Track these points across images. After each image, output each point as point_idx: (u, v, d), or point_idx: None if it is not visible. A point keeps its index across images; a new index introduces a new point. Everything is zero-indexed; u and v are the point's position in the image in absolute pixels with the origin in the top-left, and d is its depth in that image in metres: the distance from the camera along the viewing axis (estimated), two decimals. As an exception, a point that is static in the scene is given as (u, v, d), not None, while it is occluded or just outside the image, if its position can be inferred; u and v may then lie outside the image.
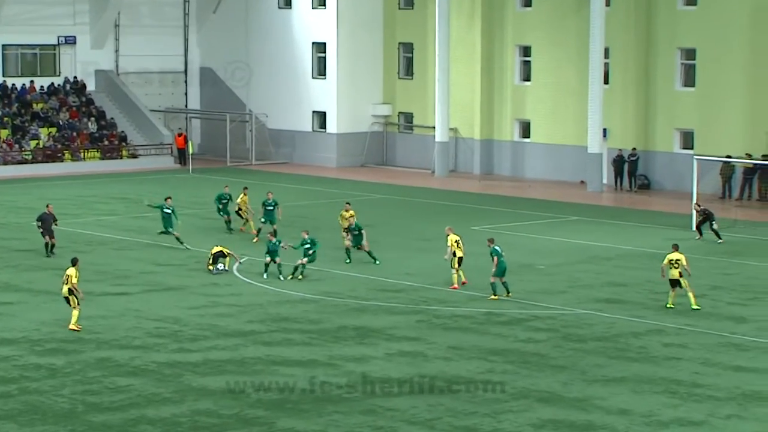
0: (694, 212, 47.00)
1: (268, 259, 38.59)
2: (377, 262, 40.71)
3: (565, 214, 53.01)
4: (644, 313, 34.54)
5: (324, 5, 69.32)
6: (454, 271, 37.19)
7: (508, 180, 64.66)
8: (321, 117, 70.56)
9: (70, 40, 71.47)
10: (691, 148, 58.96)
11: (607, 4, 60.55)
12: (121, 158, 68.99)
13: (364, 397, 26.36)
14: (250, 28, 72.66)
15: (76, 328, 31.45)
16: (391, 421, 24.73)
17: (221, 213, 46.76)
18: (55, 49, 71.54)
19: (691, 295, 34.54)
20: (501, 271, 35.79)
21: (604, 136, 61.03)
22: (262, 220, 44.86)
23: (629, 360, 29.63)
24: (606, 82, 60.88)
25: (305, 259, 38.52)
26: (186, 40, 74.95)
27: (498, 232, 47.89)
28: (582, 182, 61.75)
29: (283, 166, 69.58)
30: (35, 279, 38.18)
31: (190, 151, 67.23)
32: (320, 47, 69.88)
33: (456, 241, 37.20)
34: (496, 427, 24.44)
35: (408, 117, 70.46)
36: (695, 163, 50.97)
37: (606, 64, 60.90)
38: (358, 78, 69.79)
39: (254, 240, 44.22)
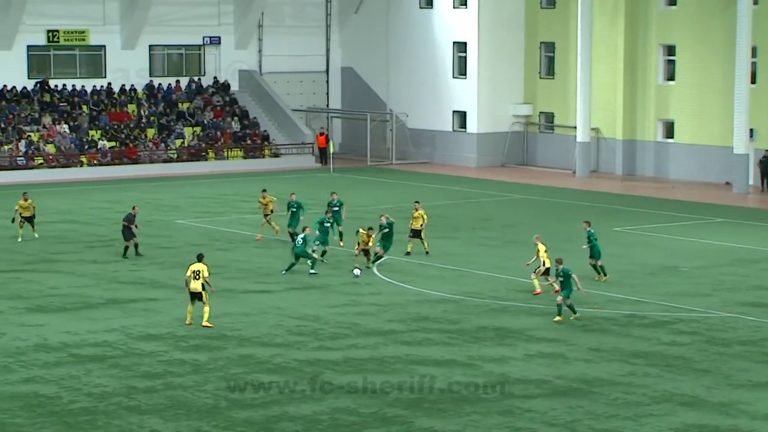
0: None
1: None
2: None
3: (710, 215, 52.17)
4: (791, 317, 33.83)
5: (465, 5, 69.31)
6: (534, 276, 36.38)
7: (651, 181, 63.90)
8: (461, 117, 70.57)
9: (215, 41, 72.74)
10: (842, 149, 57.63)
11: (755, 2, 59.44)
12: (264, 157, 69.94)
13: (503, 398, 26.29)
14: (390, 28, 73.00)
15: (209, 325, 31.93)
16: (530, 423, 24.63)
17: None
18: (200, 50, 72.88)
19: None
20: (570, 290, 33.59)
21: (751, 136, 59.89)
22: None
23: (775, 365, 29.08)
24: (753, 81, 59.72)
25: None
26: (328, 40, 75.66)
27: (640, 233, 47.43)
28: (727, 183, 60.71)
29: (423, 166, 69.79)
30: (179, 276, 38.74)
31: (331, 150, 67.79)
32: (461, 47, 69.89)
33: (546, 251, 36.64)
34: (638, 430, 24.17)
35: (549, 117, 70.06)
36: None
37: (753, 63, 59.75)
38: (499, 77, 69.62)
39: (341, 244, 43.60)
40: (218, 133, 70.11)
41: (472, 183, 62.78)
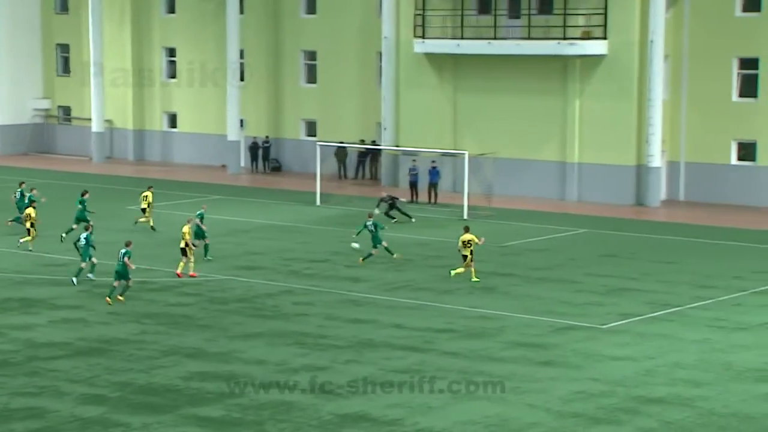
0: (382, 203, 45.48)
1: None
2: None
3: (209, 193, 52.85)
4: (276, 276, 34.98)
5: (-23, 8, 66.27)
6: (185, 260, 34.49)
7: (159, 165, 63.88)
8: (-15, 110, 67.49)
9: None
10: (314, 136, 60.09)
11: (241, 12, 60.71)
12: None
13: (28, 361, 25.42)
14: None
15: None
16: (54, 381, 23.98)
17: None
18: None
19: (473, 270, 33.52)
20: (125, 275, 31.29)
21: (241, 125, 61.26)
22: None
23: (265, 317, 29.94)
24: (242, 79, 61.08)
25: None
26: None
27: (155, 211, 47.17)
28: (223, 166, 61.77)
29: (-50, 156, 66.05)
30: None
31: None
32: (-26, 47, 66.89)
33: (188, 232, 34.68)
34: (149, 381, 24.12)
35: (67, 110, 68.40)
36: (318, 148, 52.07)
37: (242, 64, 61.09)
38: (19, 75, 67.24)
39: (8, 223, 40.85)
40: None
41: (-2, 170, 60.10)
